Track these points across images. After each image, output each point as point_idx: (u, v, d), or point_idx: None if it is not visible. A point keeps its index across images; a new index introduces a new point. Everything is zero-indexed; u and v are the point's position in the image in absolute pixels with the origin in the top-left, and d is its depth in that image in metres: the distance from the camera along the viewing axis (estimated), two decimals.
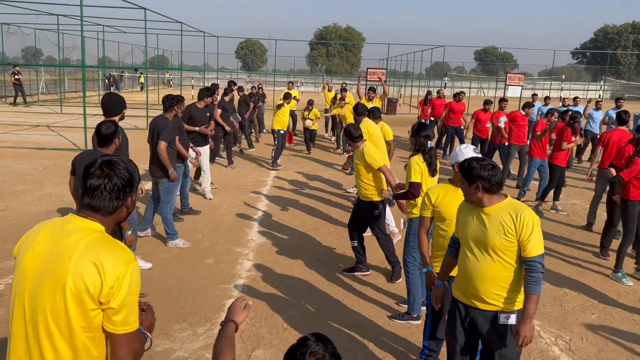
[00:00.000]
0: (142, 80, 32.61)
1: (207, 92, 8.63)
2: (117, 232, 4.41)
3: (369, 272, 5.92)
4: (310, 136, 14.18)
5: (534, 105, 10.59)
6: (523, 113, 10.30)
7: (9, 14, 22.78)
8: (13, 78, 23.52)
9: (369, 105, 10.95)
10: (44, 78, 30.94)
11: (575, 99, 15.43)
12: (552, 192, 8.84)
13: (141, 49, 37.15)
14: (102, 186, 1.92)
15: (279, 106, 11.80)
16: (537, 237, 2.82)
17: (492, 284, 2.92)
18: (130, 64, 41.25)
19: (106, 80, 35.01)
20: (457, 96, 13.65)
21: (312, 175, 11.22)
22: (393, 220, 7.11)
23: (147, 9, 16.30)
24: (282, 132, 11.54)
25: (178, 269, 5.80)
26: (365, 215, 5.69)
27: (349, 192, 9.55)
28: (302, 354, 1.53)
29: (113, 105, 5.41)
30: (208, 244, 6.64)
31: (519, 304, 2.95)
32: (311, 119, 13.72)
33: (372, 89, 11.25)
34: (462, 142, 13.21)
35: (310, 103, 13.88)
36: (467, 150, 3.58)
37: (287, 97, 12.24)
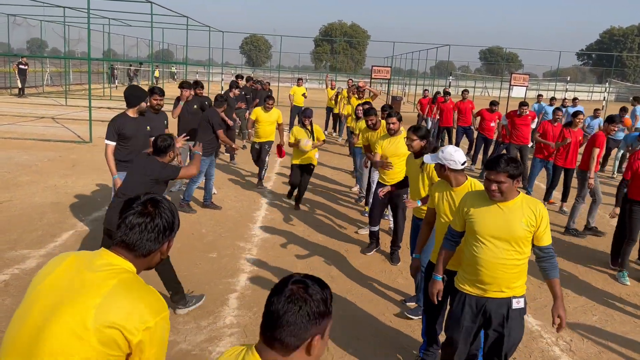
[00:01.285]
0: (157, 74, 32.75)
1: (196, 85, 9.03)
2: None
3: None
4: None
5: (527, 105, 10.62)
6: (518, 112, 10.40)
7: (15, 5, 22.83)
8: (18, 67, 23.53)
9: (357, 103, 11.03)
10: (49, 70, 30.98)
11: (574, 99, 15.46)
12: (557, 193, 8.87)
13: (146, 42, 37.18)
14: (144, 225, 1.79)
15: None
16: (549, 227, 3.15)
17: (509, 273, 3.13)
18: (135, 57, 41.27)
19: (129, 73, 35.72)
20: (462, 94, 13.66)
21: (315, 172, 11.23)
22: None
23: (153, 3, 16.30)
24: (266, 146, 9.23)
25: (182, 263, 5.83)
26: (398, 200, 5.91)
27: (353, 191, 9.56)
28: (286, 281, 1.48)
29: (131, 97, 5.70)
30: (211, 238, 6.67)
31: (524, 289, 3.24)
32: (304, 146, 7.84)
33: (358, 89, 11.41)
34: (471, 142, 13.21)
35: (308, 116, 8.12)
36: (457, 154, 3.65)
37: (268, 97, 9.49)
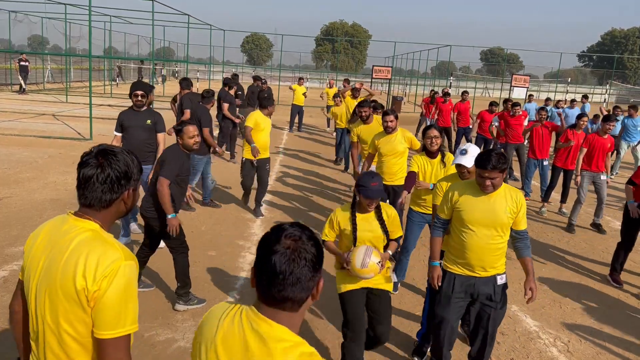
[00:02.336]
0: (164, 72, 32.87)
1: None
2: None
3: None
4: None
5: (519, 105, 10.78)
6: (511, 113, 10.54)
7: (17, 1, 22.80)
8: (19, 63, 23.53)
9: (354, 103, 11.07)
10: (50, 67, 30.98)
11: (572, 101, 15.59)
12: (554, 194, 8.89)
13: (147, 40, 37.18)
14: (95, 177, 1.81)
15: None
16: (525, 213, 3.53)
17: (493, 255, 3.48)
18: (136, 55, 41.27)
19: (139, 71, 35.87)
20: (462, 96, 13.69)
21: (314, 171, 11.25)
22: None
23: (155, 1, 16.31)
24: (267, 165, 7.53)
25: None
26: (397, 197, 5.83)
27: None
28: (277, 237, 1.42)
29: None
30: (211, 236, 6.68)
31: (504, 267, 3.60)
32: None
33: (355, 88, 11.44)
34: (468, 142, 13.27)
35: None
36: (472, 149, 3.93)
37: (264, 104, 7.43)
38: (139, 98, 5.99)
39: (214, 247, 6.33)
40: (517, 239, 3.56)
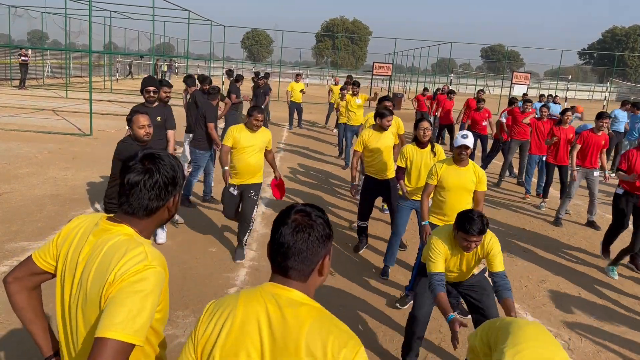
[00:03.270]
0: (164, 68, 32.89)
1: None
2: None
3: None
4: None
5: (531, 101, 10.77)
6: (521, 110, 10.51)
7: None
8: (20, 59, 23.50)
9: (354, 100, 11.06)
10: (49, 62, 30.92)
11: (555, 96, 15.76)
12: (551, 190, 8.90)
13: (147, 35, 37.12)
14: (142, 183, 1.69)
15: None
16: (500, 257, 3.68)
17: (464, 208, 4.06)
18: (136, 50, 41.19)
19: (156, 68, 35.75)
20: (477, 94, 13.69)
21: (315, 167, 11.24)
22: None
23: None
24: (252, 192, 5.83)
25: (182, 257, 5.84)
26: (394, 192, 6.04)
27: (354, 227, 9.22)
28: (288, 212, 1.55)
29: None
30: (211, 232, 6.67)
31: None
32: None
33: (356, 84, 11.41)
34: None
35: None
36: (470, 134, 4.64)
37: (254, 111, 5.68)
38: (151, 94, 5.99)
39: (214, 243, 6.32)
40: (477, 197, 4.49)
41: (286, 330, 1.43)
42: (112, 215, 1.77)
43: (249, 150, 5.64)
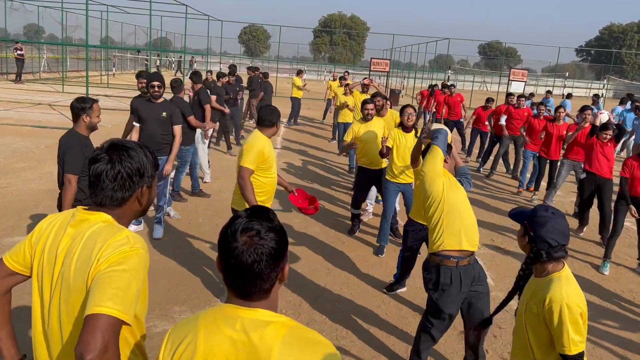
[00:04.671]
0: (158, 62, 32.66)
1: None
2: None
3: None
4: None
5: (524, 97, 11.10)
6: (516, 107, 10.79)
7: None
8: (16, 54, 23.41)
9: (363, 97, 11.01)
10: (46, 56, 30.78)
11: (547, 92, 15.91)
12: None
13: (144, 30, 36.97)
14: (104, 173, 1.69)
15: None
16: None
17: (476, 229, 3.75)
18: (133, 45, 41.03)
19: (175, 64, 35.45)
20: (450, 89, 13.94)
21: (313, 162, 11.23)
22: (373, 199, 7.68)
23: None
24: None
25: (179, 252, 5.84)
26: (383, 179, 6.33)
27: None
28: (234, 233, 1.37)
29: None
30: (208, 228, 6.67)
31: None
32: None
33: (364, 84, 11.52)
34: (462, 136, 13.55)
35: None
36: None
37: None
38: (156, 89, 5.96)
39: (211, 239, 6.32)
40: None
41: (256, 357, 1.32)
42: (87, 207, 1.77)
43: (274, 166, 4.86)
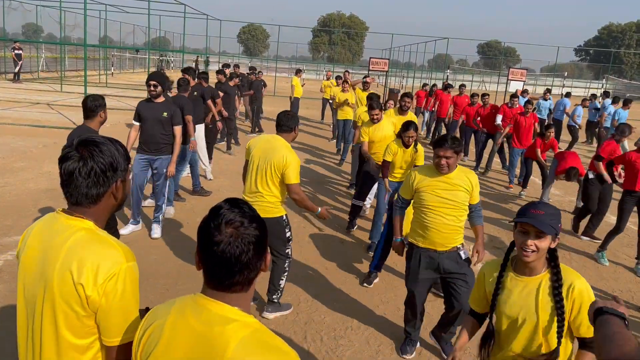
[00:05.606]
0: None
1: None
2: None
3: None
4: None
5: (517, 97, 11.33)
6: (509, 106, 11.06)
7: None
8: (13, 53, 23.38)
9: (364, 95, 11.05)
10: (44, 55, 30.74)
11: (545, 92, 16.09)
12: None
13: (143, 29, 36.92)
14: (77, 171, 1.66)
15: None
16: (478, 189, 3.89)
17: (454, 231, 3.81)
18: (132, 44, 40.99)
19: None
20: (460, 89, 13.92)
21: (311, 161, 11.23)
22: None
23: None
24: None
25: (176, 252, 5.83)
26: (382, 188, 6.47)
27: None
28: (217, 225, 1.36)
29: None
30: None
31: (462, 239, 3.92)
32: None
33: (366, 82, 11.52)
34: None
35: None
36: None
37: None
38: (152, 88, 5.97)
39: None
40: (472, 212, 3.95)
41: (211, 351, 1.31)
42: (64, 208, 1.75)
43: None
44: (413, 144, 5.85)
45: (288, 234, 4.43)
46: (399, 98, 7.95)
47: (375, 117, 6.76)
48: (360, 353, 4.15)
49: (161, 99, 6.07)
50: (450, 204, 3.76)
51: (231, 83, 11.08)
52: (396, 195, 4.33)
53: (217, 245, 1.35)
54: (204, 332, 1.34)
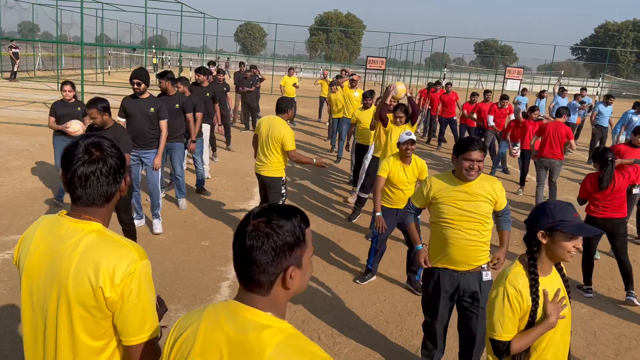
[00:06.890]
0: (155, 61, 32.36)
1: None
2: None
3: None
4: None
5: (508, 98, 11.49)
6: (499, 106, 11.26)
7: None
8: (11, 52, 23.30)
9: (352, 93, 11.08)
10: (40, 54, 30.63)
11: (541, 92, 15.97)
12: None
13: (140, 28, 36.86)
14: (98, 171, 1.67)
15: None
16: (504, 194, 3.56)
17: (477, 248, 3.42)
18: (129, 43, 40.89)
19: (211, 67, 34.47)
20: (446, 87, 14.41)
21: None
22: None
23: None
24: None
25: (174, 250, 5.83)
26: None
27: (349, 202, 8.30)
28: (249, 215, 1.38)
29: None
30: (204, 226, 6.67)
31: (488, 257, 3.53)
32: None
33: (353, 80, 11.50)
34: (454, 132, 13.66)
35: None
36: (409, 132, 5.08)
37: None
38: (135, 86, 6.07)
39: (207, 237, 6.32)
40: (499, 217, 3.63)
41: (248, 358, 1.30)
42: (68, 212, 1.75)
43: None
44: (412, 160, 5.20)
45: (283, 191, 5.75)
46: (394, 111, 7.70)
47: (399, 118, 6.30)
48: (357, 351, 4.17)
49: (146, 95, 6.20)
50: (472, 217, 3.35)
51: (220, 78, 10.93)
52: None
53: (239, 234, 1.37)
54: (239, 338, 1.33)
